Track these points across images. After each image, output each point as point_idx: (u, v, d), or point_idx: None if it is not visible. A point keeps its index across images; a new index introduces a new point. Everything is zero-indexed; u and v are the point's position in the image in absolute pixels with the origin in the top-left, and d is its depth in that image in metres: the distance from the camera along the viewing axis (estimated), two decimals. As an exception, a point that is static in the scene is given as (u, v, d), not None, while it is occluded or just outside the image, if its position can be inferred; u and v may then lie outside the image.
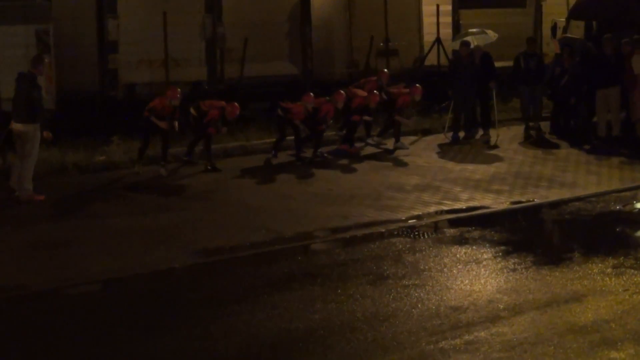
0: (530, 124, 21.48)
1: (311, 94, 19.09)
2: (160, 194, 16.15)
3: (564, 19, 24.22)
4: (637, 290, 10.78)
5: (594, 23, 23.30)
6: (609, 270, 11.55)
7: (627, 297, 10.59)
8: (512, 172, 17.55)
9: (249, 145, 19.68)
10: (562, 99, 21.11)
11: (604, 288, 10.92)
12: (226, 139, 19.50)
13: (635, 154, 18.92)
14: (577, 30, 23.95)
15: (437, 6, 26.09)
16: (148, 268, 11.99)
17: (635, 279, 11.19)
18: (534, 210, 15.20)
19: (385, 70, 22.11)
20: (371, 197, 15.63)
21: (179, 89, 18.02)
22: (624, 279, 11.22)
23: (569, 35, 23.47)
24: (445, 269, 11.75)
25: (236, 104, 18.27)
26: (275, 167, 18.15)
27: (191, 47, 22.36)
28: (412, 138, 20.96)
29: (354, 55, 25.44)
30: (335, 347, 9.28)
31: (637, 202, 14.39)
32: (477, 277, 11.46)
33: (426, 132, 21.64)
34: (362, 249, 12.87)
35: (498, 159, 18.93)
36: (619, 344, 9.15)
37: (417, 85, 20.54)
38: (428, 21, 26.69)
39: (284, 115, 18.60)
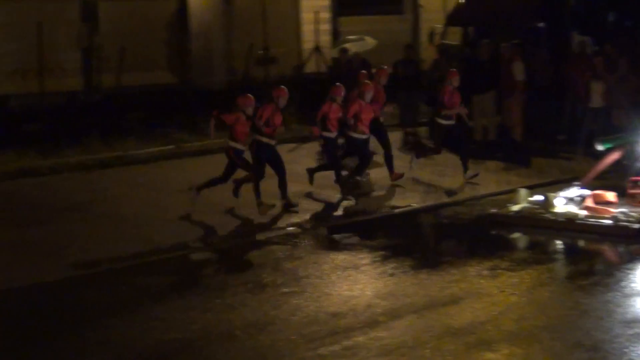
0: (408, 130, 21.64)
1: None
2: (34, 207, 15.74)
3: (441, 25, 24.54)
4: (513, 292, 10.95)
5: (471, 29, 23.62)
6: (486, 272, 11.69)
7: (502, 298, 10.74)
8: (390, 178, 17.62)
9: (126, 156, 19.37)
10: (439, 104, 21.28)
11: (480, 290, 11.05)
12: (103, 149, 19.22)
13: (510, 157, 19.19)
14: (455, 36, 24.25)
15: (316, 13, 26.18)
16: (19, 282, 11.63)
17: (510, 280, 11.36)
18: (412, 215, 15.27)
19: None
20: (250, 206, 15.51)
21: (250, 95, 15.04)
22: (500, 280, 11.38)
23: (446, 41, 23.79)
24: (324, 276, 11.73)
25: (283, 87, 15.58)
26: (155, 178, 17.90)
27: (67, 56, 22.04)
28: (292, 145, 20.87)
29: (233, 63, 25.34)
30: (213, 357, 9.20)
31: (512, 205, 14.57)
32: (356, 282, 11.47)
33: (305, 140, 21.59)
34: (242, 258, 12.81)
35: (376, 165, 18.94)
36: (494, 344, 9.27)
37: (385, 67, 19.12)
38: (307, 28, 26.74)
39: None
